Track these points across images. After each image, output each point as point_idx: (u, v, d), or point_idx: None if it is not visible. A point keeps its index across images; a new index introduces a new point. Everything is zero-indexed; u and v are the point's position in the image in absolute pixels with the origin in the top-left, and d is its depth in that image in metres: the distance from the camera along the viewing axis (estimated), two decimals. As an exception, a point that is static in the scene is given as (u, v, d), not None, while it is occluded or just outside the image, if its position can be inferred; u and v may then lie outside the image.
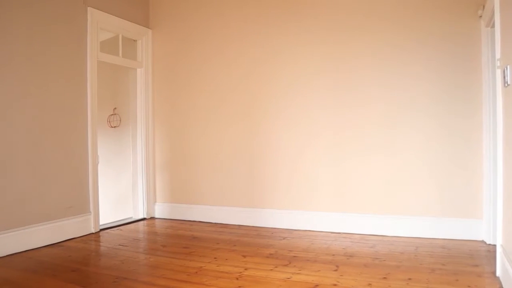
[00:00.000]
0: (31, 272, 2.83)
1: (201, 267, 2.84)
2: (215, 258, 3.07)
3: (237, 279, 2.57)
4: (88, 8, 4.07)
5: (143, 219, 4.81)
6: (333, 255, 3.07)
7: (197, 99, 4.62)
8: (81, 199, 3.99)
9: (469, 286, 2.37)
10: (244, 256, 3.09)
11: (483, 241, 3.35)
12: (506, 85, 2.34)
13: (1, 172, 3.28)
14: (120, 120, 5.22)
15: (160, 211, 4.89)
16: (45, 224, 3.61)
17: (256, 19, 4.24)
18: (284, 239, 3.64)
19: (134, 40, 4.84)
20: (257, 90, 4.23)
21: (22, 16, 3.46)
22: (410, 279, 2.50)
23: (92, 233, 4.04)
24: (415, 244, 3.31)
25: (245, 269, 2.76)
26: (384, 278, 2.53)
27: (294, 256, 3.06)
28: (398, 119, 3.63)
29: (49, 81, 3.69)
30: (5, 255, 3.26)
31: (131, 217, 4.86)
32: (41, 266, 2.98)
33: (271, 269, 2.75)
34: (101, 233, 4.08)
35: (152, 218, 4.88)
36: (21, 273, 2.81)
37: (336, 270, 2.70)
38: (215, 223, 4.44)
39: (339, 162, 3.84)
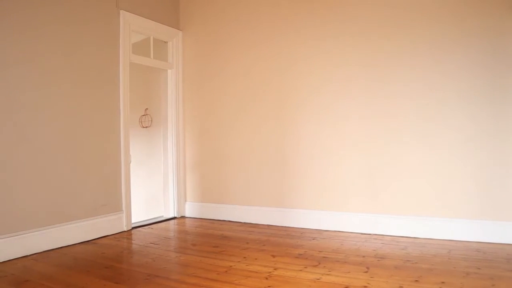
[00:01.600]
0: (67, 268, 2.92)
1: (231, 266, 2.86)
2: (244, 257, 3.08)
3: (267, 278, 2.58)
4: (121, 11, 4.16)
5: (174, 218, 4.88)
6: (364, 256, 3.03)
7: (227, 99, 4.66)
8: (114, 197, 4.09)
9: (505, 291, 2.30)
10: (274, 256, 3.09)
11: (521, 245, 3.24)
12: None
13: (39, 172, 3.40)
14: (152, 121, 5.32)
15: (191, 210, 4.95)
16: (79, 221, 3.72)
17: (286, 20, 4.23)
18: (313, 239, 3.62)
19: (165, 42, 4.91)
20: (288, 90, 4.22)
21: (57, 19, 3.57)
22: (443, 282, 2.44)
23: (124, 231, 4.13)
24: (448, 247, 3.23)
25: (275, 269, 2.76)
26: (416, 281, 2.48)
27: (324, 257, 3.04)
28: (433, 118, 3.54)
29: (84, 82, 3.79)
30: (42, 250, 3.38)
31: (162, 216, 4.94)
32: (76, 262, 3.07)
33: (301, 270, 2.74)
34: (133, 231, 4.17)
35: (183, 217, 4.94)
36: (58, 269, 2.90)
37: (366, 272, 2.67)
38: (244, 222, 4.46)
39: (370, 162, 3.79)
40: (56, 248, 3.48)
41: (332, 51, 3.97)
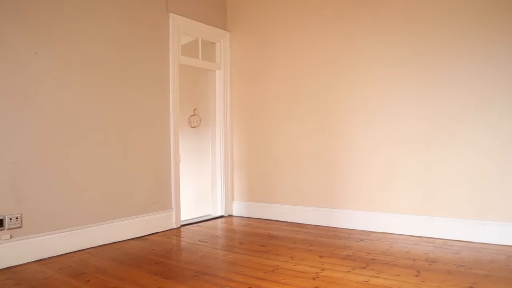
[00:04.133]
0: (119, 263, 3.03)
1: (278, 265, 2.87)
2: (291, 257, 3.08)
3: (314, 279, 2.56)
4: (170, 14, 4.27)
5: (221, 216, 4.95)
6: (414, 259, 2.95)
7: (275, 100, 4.66)
8: (164, 195, 4.20)
9: None
10: (321, 257, 3.07)
11: None
12: None
13: (95, 171, 3.56)
14: (200, 121, 5.42)
15: (238, 209, 5.00)
16: (131, 218, 3.85)
17: (333, 20, 4.18)
18: (361, 240, 3.55)
19: (212, 43, 4.99)
20: (336, 90, 4.17)
21: (110, 23, 3.72)
22: (500, 289, 2.33)
23: (174, 229, 4.24)
24: (506, 253, 3.07)
25: (322, 270, 2.74)
26: (471, 287, 2.38)
27: (372, 259, 2.98)
28: (485, 117, 3.37)
29: (135, 84, 3.93)
30: (97, 245, 3.54)
31: (209, 214, 5.03)
32: (128, 257, 3.18)
33: (348, 271, 2.70)
34: (181, 228, 4.27)
35: (230, 216, 5.00)
36: (111, 263, 3.02)
37: (417, 276, 2.59)
38: (291, 222, 4.46)
39: (421, 162, 3.67)
40: (110, 243, 3.63)
41: (382, 46, 3.88)
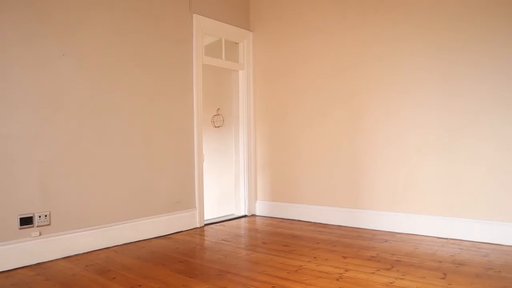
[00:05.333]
0: (144, 260, 3.07)
1: (301, 265, 2.86)
2: (314, 257, 3.06)
3: (338, 280, 2.54)
4: (194, 15, 4.31)
5: (244, 216, 4.96)
6: (440, 261, 2.89)
7: (297, 100, 4.65)
8: (188, 195, 4.24)
9: None
10: (345, 257, 3.04)
11: None
12: None
13: (120, 170, 3.62)
14: (223, 121, 5.44)
15: (261, 209, 5.01)
16: (156, 217, 3.90)
17: (356, 26, 4.14)
18: (386, 241, 3.51)
19: (235, 43, 5.01)
20: (360, 89, 4.13)
21: (135, 24, 3.77)
22: (531, 293, 2.26)
23: (197, 228, 4.28)
24: (537, 255, 2.99)
25: (346, 271, 2.72)
26: (500, 290, 2.32)
27: (397, 260, 2.93)
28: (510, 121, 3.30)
29: (159, 84, 3.98)
30: (122, 243, 3.60)
31: (233, 214, 5.05)
32: (152, 255, 3.23)
33: (373, 272, 2.67)
34: (205, 227, 4.30)
35: (253, 215, 5.01)
36: (136, 261, 3.07)
37: (443, 278, 2.54)
38: (314, 222, 4.44)
39: (448, 162, 3.60)
40: (134, 242, 3.69)
41: (402, 48, 3.82)
